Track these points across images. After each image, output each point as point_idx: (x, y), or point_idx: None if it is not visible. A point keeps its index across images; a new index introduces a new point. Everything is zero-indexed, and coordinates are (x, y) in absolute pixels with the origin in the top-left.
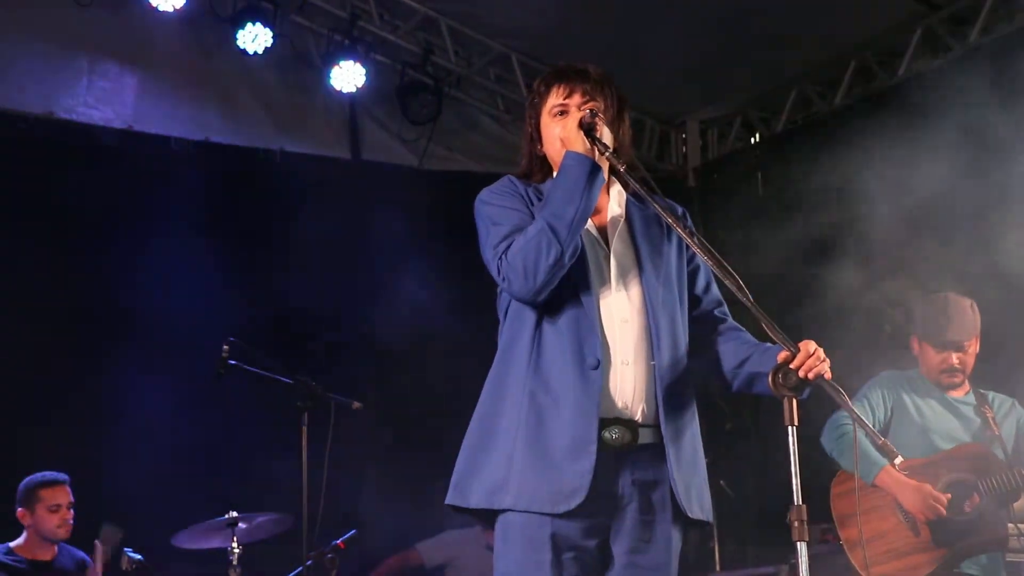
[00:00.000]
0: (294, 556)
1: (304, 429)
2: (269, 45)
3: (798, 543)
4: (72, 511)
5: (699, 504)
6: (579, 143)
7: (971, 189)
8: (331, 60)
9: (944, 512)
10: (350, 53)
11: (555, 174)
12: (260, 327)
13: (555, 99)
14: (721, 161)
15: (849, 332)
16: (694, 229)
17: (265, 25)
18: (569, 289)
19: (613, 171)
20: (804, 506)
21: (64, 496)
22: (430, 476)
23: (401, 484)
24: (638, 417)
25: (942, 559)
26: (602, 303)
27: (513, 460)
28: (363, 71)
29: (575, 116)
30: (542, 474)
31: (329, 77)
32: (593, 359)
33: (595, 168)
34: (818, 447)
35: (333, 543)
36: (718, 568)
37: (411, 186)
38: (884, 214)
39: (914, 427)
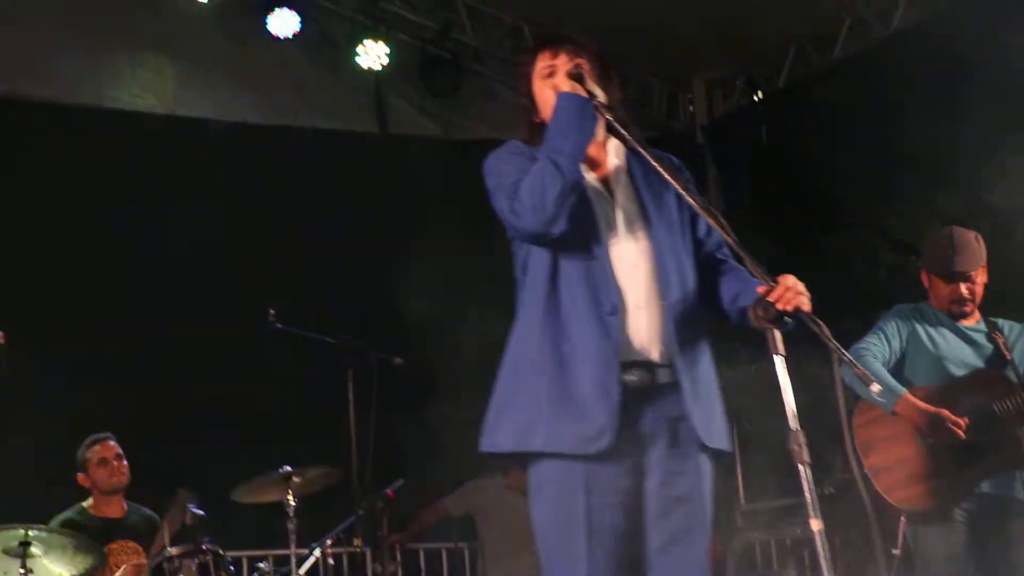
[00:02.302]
0: (346, 506)
1: (350, 386)
2: (297, 30)
3: (800, 465)
4: (123, 461)
5: (718, 435)
6: (568, 87)
7: (967, 132)
8: (356, 40)
9: (962, 436)
10: (373, 33)
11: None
12: (302, 291)
13: (543, 62)
14: (727, 118)
15: (849, 272)
16: (690, 177)
17: (293, 10)
18: (580, 241)
19: (609, 128)
20: (801, 431)
21: (108, 450)
22: (467, 427)
23: (442, 434)
24: (655, 357)
25: (962, 481)
26: (612, 251)
27: (540, 405)
28: (386, 49)
29: (563, 71)
30: (570, 417)
31: (355, 56)
32: (609, 305)
33: (585, 102)
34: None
35: (382, 492)
36: (742, 500)
37: (437, 155)
38: (879, 163)
39: (929, 356)
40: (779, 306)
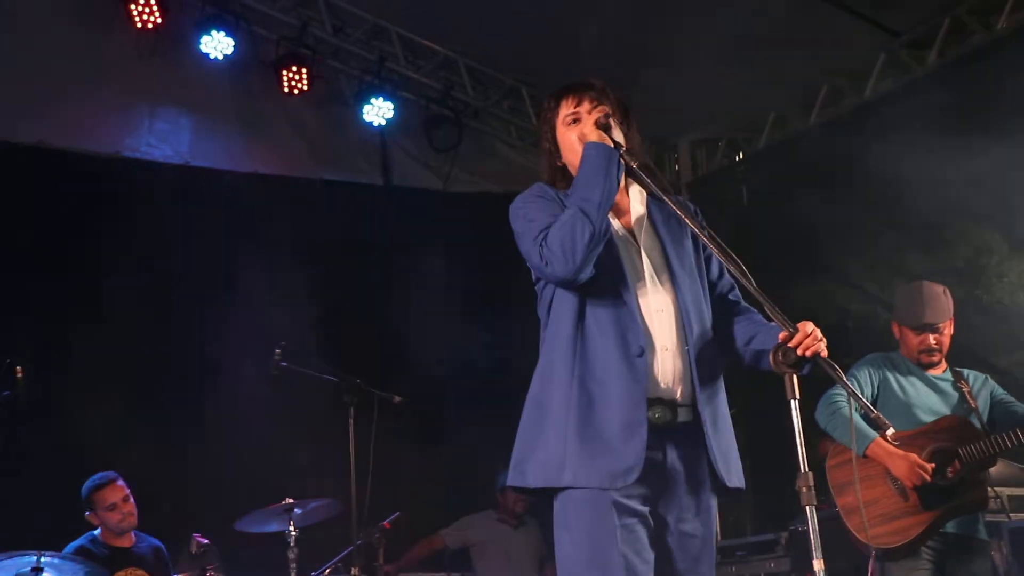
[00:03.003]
0: (345, 537)
1: (351, 422)
2: (308, 87)
3: (807, 507)
4: (130, 502)
5: (736, 474)
6: (596, 136)
7: (929, 197)
8: (363, 98)
9: (929, 478)
10: (379, 91)
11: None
12: (308, 332)
13: (567, 109)
14: (710, 177)
15: (820, 322)
16: (704, 223)
17: (304, 69)
18: (608, 284)
19: (631, 173)
20: (811, 473)
21: (115, 493)
22: (461, 464)
23: (438, 470)
24: (678, 398)
25: (928, 521)
26: (639, 295)
27: (568, 442)
28: (391, 106)
29: (589, 119)
30: (598, 454)
31: (362, 113)
32: (637, 347)
33: (613, 153)
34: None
35: (380, 524)
36: (719, 538)
37: (437, 206)
38: (848, 220)
39: (899, 403)
40: (799, 351)
